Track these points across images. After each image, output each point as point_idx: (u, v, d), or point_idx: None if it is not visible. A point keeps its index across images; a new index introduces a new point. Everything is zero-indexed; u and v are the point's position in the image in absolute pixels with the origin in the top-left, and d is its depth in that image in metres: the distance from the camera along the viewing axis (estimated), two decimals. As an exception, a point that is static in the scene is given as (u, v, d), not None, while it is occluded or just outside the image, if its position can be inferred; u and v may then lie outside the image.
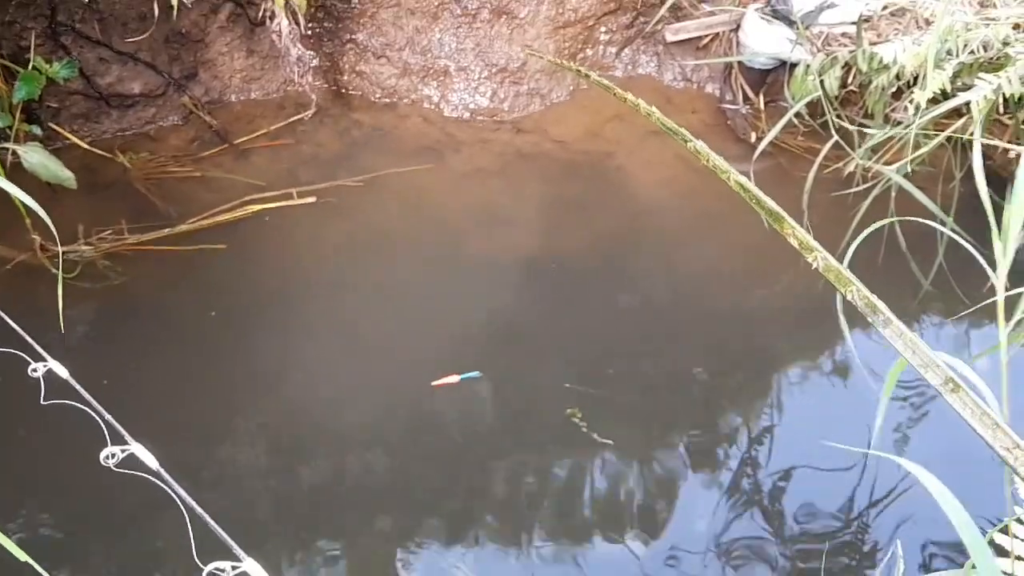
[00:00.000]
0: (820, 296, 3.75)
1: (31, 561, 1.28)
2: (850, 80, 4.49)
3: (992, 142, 3.68)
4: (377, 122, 5.04)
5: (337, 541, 3.17)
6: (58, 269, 3.48)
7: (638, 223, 4.56)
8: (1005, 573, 2.49)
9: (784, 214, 1.12)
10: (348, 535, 3.19)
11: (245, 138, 4.86)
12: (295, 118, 5.00)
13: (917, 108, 3.67)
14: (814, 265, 1.10)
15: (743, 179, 1.18)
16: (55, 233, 1.95)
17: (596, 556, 3.16)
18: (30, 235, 3.85)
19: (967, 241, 2.04)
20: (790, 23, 4.78)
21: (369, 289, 4.10)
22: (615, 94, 1.40)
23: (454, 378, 3.64)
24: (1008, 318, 1.64)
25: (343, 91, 5.18)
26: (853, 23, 4.55)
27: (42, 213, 1.41)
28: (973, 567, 1.29)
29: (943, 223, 2.57)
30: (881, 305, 1.05)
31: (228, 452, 3.42)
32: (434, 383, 3.63)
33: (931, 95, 3.58)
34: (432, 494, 3.36)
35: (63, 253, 3.94)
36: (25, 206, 3.64)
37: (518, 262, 4.27)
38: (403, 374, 3.74)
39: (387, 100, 5.16)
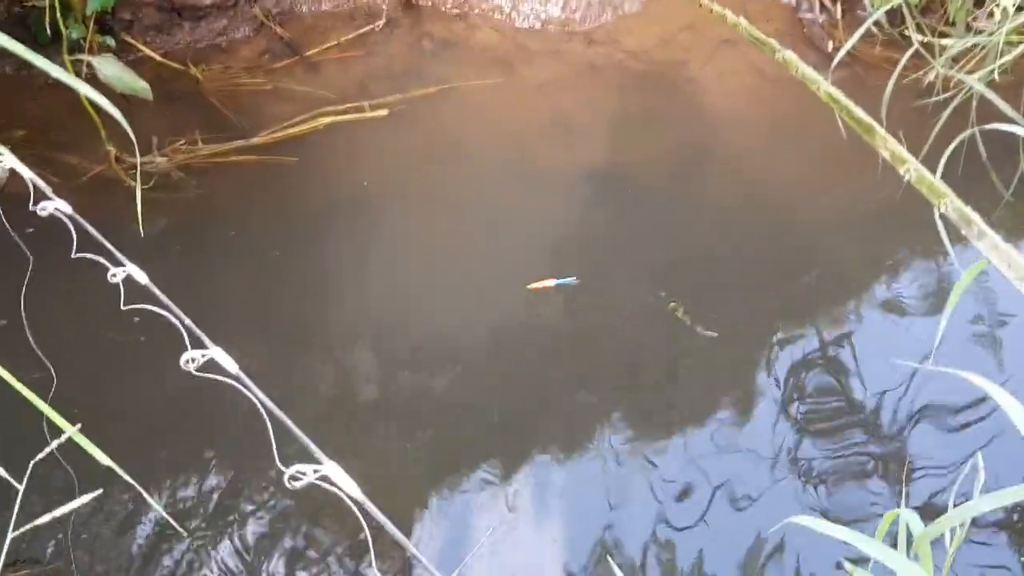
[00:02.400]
0: (897, 204, 3.71)
1: (114, 465, 1.30)
2: (932, -12, 4.40)
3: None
4: (448, 33, 5.01)
5: (425, 445, 3.20)
6: (135, 180, 3.51)
7: (712, 133, 4.52)
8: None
9: (876, 125, 1.10)
10: (439, 440, 3.23)
11: (316, 50, 4.84)
12: (365, 29, 4.97)
13: (1004, 14, 3.58)
14: (906, 177, 1.08)
15: (833, 90, 1.16)
16: (135, 141, 1.96)
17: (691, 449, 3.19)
18: (105, 147, 3.88)
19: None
20: (870, -72, 4.67)
21: (445, 198, 4.11)
22: (701, 4, 1.38)
23: (551, 282, 3.66)
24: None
25: (413, 2, 5.14)
26: (936, -73, 4.45)
27: (122, 120, 1.43)
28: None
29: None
30: (975, 217, 1.03)
31: (307, 357, 3.46)
32: (530, 286, 3.65)
33: (1018, 1, 3.50)
34: (532, 394, 3.40)
35: (139, 165, 3.98)
36: (101, 116, 3.67)
37: (593, 173, 4.26)
38: (486, 279, 3.78)
39: (457, 11, 5.12)
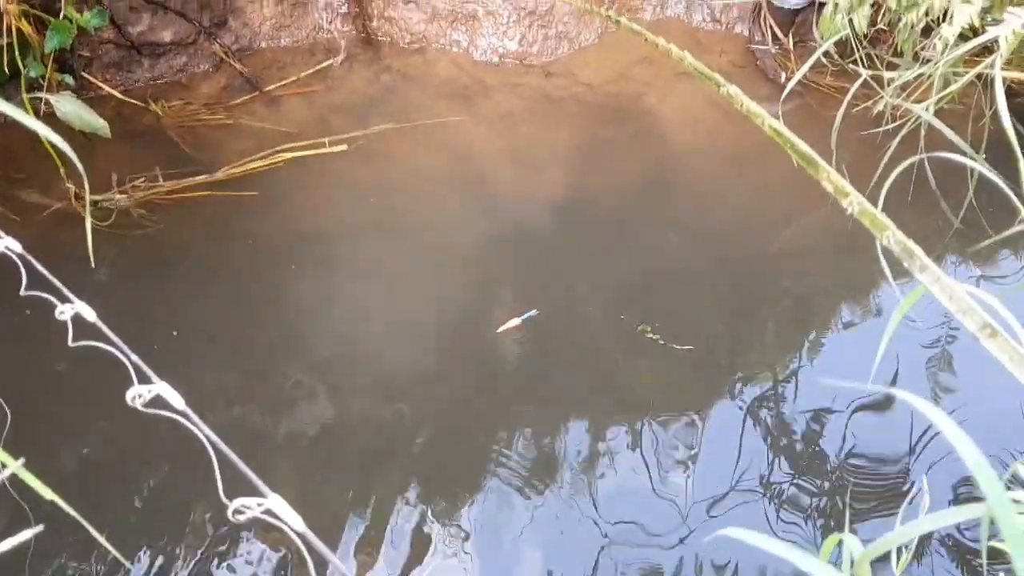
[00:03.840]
0: (850, 233, 3.77)
1: (57, 499, 1.31)
2: (879, 18, 4.46)
3: (1022, 76, 3.65)
4: (406, 67, 5.05)
5: (372, 482, 3.21)
6: (92, 217, 3.52)
7: (668, 165, 4.56)
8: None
9: (818, 159, 1.13)
10: (382, 475, 3.23)
11: (276, 85, 4.87)
12: (324, 64, 5.01)
13: (945, 45, 3.64)
14: (849, 210, 1.11)
15: (777, 124, 1.19)
16: (85, 179, 1.98)
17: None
18: (65, 184, 3.89)
19: (998, 177, 2.03)
20: (819, -38, 4.74)
21: (407, 231, 4.12)
22: (646, 39, 1.41)
23: (515, 321, 3.68)
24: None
25: (372, 37, 5.19)
26: (883, -40, 4.52)
27: (72, 155, 1.44)
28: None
29: (974, 161, 2.57)
30: (918, 250, 1.06)
31: (258, 393, 3.46)
32: (498, 329, 3.66)
33: (959, 31, 3.55)
34: (493, 422, 3.42)
35: (98, 202, 3.99)
36: (60, 154, 3.68)
37: (551, 204, 4.29)
38: (445, 315, 3.79)
39: (416, 45, 5.16)
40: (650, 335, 3.64)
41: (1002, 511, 1.02)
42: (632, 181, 4.43)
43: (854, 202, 1.09)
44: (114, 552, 2.90)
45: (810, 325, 3.76)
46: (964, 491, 3.04)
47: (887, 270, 2.34)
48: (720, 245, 4.13)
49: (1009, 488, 2.26)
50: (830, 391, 3.48)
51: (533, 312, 3.70)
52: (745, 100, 1.24)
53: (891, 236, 1.07)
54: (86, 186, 2.37)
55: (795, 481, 3.20)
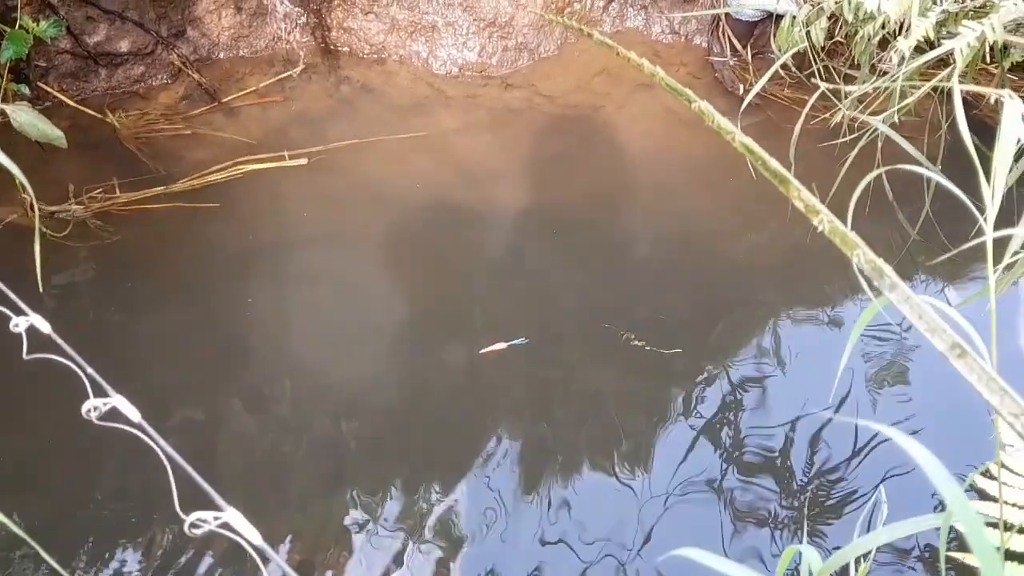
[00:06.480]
0: (807, 243, 3.80)
1: (5, 520, 1.30)
2: (837, 31, 4.49)
3: (977, 88, 3.68)
4: (366, 78, 5.04)
5: (333, 497, 3.19)
6: (48, 228, 3.49)
7: (629, 175, 4.57)
8: (987, 516, 2.53)
9: (789, 176, 1.13)
10: (341, 489, 3.21)
11: (234, 95, 4.85)
12: (284, 75, 4.99)
13: (902, 57, 3.66)
14: (819, 228, 1.11)
15: (748, 140, 1.19)
16: (31, 192, 1.96)
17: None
18: (20, 195, 3.86)
19: (956, 187, 2.04)
20: (777, -26, 4.76)
21: (364, 245, 4.11)
22: (618, 53, 1.41)
23: (501, 345, 3.65)
24: (996, 262, 1.65)
25: (331, 48, 5.17)
26: (840, -27, 4.54)
27: (16, 172, 1.42)
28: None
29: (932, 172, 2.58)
30: (887, 269, 1.06)
31: (217, 406, 3.43)
32: (482, 351, 3.64)
33: (915, 44, 3.58)
34: (464, 436, 3.41)
35: (53, 213, 3.96)
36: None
37: (512, 216, 4.29)
38: (407, 329, 3.77)
39: (375, 56, 5.15)
40: (635, 342, 3.65)
41: (970, 527, 1.02)
42: (592, 192, 4.44)
43: (824, 220, 1.09)
44: (63, 573, 2.87)
45: (778, 334, 3.77)
46: (921, 501, 3.05)
47: (865, 284, 2.36)
48: (678, 256, 4.14)
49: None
50: (798, 400, 3.49)
51: (522, 340, 3.66)
52: (716, 116, 1.24)
53: (861, 254, 1.07)
54: (33, 199, 2.34)
55: (754, 489, 3.21)
